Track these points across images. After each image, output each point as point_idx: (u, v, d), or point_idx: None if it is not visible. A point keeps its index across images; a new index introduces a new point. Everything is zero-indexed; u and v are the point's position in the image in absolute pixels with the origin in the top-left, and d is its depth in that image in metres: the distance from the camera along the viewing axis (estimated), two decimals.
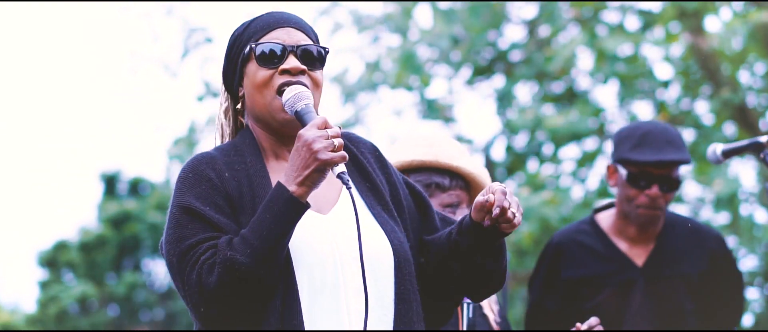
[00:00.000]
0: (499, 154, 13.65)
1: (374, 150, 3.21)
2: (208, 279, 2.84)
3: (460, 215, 3.64)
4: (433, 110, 13.39)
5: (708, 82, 12.76)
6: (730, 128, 12.76)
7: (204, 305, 2.88)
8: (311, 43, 3.12)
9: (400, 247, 3.01)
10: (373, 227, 3.02)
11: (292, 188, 2.84)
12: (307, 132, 2.86)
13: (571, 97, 12.73)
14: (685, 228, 4.52)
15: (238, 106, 3.15)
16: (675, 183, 4.34)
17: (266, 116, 3.06)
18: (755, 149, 3.95)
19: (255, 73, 3.05)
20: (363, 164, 3.15)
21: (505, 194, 2.93)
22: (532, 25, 12.99)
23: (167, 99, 31.40)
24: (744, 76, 13.05)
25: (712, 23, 12.85)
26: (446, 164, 3.69)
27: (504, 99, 12.94)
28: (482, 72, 13.21)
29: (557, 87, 13.11)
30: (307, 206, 2.86)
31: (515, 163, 13.33)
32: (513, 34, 13.22)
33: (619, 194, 4.41)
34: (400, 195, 3.14)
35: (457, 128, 13.88)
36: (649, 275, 4.42)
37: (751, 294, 12.73)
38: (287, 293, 2.88)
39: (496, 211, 2.88)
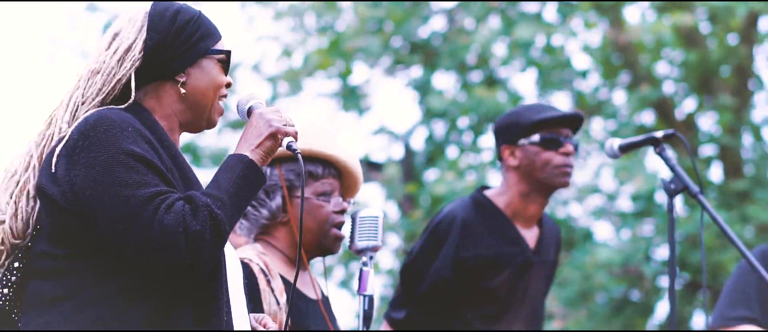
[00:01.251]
0: (418, 143, 13.71)
1: None
2: (192, 222, 2.67)
3: (333, 203, 3.66)
4: (355, 98, 13.40)
5: (626, 70, 12.87)
6: (648, 117, 12.88)
7: (172, 250, 2.67)
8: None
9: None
10: None
11: (247, 153, 2.83)
12: (263, 110, 2.92)
13: (490, 85, 12.77)
14: (545, 215, 4.61)
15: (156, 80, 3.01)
16: (576, 144, 4.44)
17: (204, 110, 3.00)
18: (651, 143, 4.01)
19: (216, 74, 3.00)
20: None
21: None
22: (451, 14, 13.02)
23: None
24: (661, 67, 13.18)
25: (631, 14, 12.97)
26: (318, 153, 3.68)
27: (423, 88, 12.96)
28: (402, 61, 13.22)
29: (476, 76, 13.15)
30: (263, 174, 2.86)
31: (435, 152, 13.37)
32: (433, 23, 13.24)
33: (528, 167, 4.40)
34: None
35: (376, 118, 13.92)
36: (538, 259, 4.48)
37: (665, 282, 12.85)
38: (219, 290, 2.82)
39: None
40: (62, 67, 15.76)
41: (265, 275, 3.56)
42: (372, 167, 13.59)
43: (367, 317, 3.56)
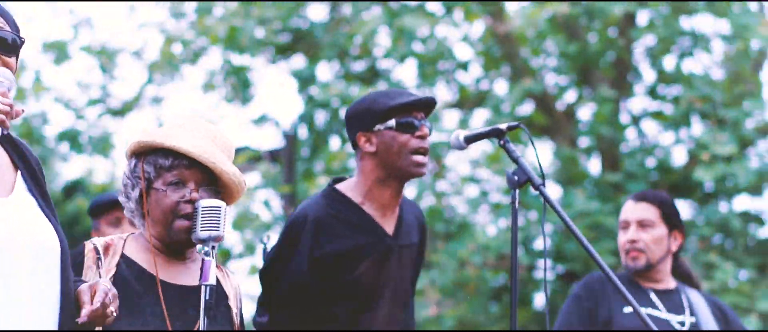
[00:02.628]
0: (302, 133, 13.69)
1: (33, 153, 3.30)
2: None
3: (180, 194, 3.69)
4: (246, 86, 13.34)
5: (507, 63, 12.99)
6: (528, 109, 13.01)
7: None
8: (8, 30, 3.18)
9: (64, 241, 3.08)
10: (40, 216, 3.06)
11: None
12: None
13: (372, 76, 12.81)
14: (405, 199, 4.61)
15: None
16: (430, 127, 4.48)
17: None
18: (496, 135, 4.04)
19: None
20: (24, 153, 3.21)
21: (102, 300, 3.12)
22: (334, 4, 13.03)
23: None
24: (542, 59, 13.32)
25: (512, 6, 13.09)
26: (161, 144, 3.72)
27: (305, 79, 12.95)
28: (284, 50, 13.20)
29: (359, 66, 13.17)
30: None
31: (318, 142, 13.36)
32: (315, 12, 13.24)
33: (385, 153, 4.40)
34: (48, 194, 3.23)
35: (259, 107, 13.88)
36: (398, 244, 4.49)
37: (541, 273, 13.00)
38: None
39: (83, 319, 3.09)
40: None
41: (97, 253, 3.63)
42: (254, 158, 13.54)
43: (208, 307, 3.54)
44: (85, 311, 3.11)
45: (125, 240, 3.73)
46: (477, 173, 12.77)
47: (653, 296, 5.11)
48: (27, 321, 2.96)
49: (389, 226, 4.49)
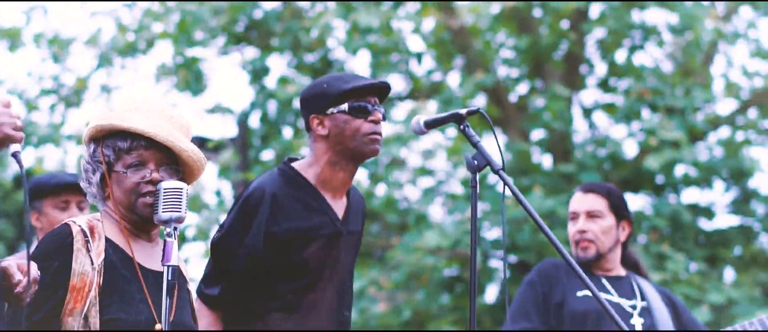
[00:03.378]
0: (254, 123, 13.68)
1: None
2: None
3: (140, 174, 3.70)
4: (199, 77, 13.31)
5: (460, 55, 13.04)
6: (479, 101, 13.06)
7: None
8: None
9: None
10: None
11: None
12: None
13: (325, 67, 12.82)
14: (352, 187, 4.63)
15: None
16: (384, 112, 4.49)
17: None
18: (456, 120, 4.06)
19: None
20: None
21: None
22: None
23: None
24: (494, 52, 13.38)
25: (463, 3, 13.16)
26: (119, 127, 3.73)
27: (257, 69, 12.94)
28: (237, 41, 13.19)
29: (312, 58, 13.18)
30: None
31: (270, 132, 13.36)
32: (268, 3, 13.24)
33: (337, 136, 4.40)
34: None
35: (212, 97, 13.86)
36: (347, 230, 4.50)
37: (495, 263, 13.09)
38: None
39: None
40: None
41: (84, 235, 3.61)
42: (206, 147, 13.51)
43: (170, 287, 3.55)
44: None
45: (101, 223, 3.72)
46: (429, 164, 12.82)
47: (605, 281, 5.18)
48: None
49: (340, 210, 4.51)
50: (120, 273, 3.63)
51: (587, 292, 4.89)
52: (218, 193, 13.46)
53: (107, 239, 3.67)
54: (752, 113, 13.55)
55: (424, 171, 12.19)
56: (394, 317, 12.19)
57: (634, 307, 5.12)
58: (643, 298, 5.18)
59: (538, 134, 13.47)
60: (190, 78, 12.87)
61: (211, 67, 13.55)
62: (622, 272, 5.27)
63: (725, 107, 14.01)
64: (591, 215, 5.15)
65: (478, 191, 3.96)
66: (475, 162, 3.95)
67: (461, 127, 4.06)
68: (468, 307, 12.42)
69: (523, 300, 5.18)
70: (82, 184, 3.80)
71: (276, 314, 4.37)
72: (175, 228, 3.62)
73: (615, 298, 5.11)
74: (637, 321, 5.07)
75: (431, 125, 4.16)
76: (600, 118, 14.31)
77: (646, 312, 5.12)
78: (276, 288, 4.40)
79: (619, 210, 5.21)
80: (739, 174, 12.55)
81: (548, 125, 12.31)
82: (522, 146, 12.50)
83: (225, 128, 14.10)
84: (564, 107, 12.25)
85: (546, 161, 13.32)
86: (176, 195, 3.63)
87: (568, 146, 13.20)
